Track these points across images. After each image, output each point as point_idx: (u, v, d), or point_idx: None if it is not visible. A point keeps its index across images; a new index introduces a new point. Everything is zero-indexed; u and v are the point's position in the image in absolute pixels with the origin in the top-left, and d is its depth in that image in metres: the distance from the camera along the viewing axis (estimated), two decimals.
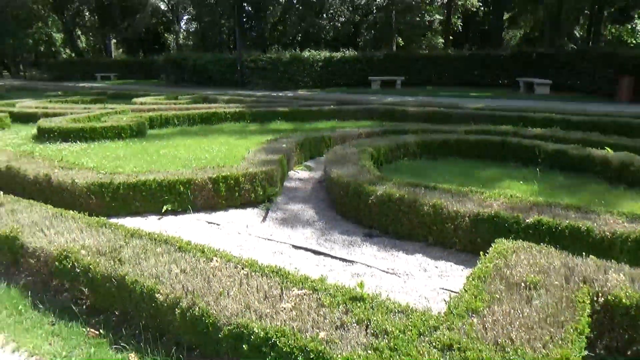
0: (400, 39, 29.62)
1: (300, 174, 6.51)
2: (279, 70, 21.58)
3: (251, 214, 4.90)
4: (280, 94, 18.90)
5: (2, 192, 4.34)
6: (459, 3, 28.35)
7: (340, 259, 3.82)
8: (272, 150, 6.17)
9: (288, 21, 27.87)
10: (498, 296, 2.30)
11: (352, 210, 4.63)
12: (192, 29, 39.24)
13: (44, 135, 8.76)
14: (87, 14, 39.99)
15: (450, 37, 28.80)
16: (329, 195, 5.29)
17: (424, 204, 3.97)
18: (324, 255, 3.90)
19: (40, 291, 3.11)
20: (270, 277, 2.59)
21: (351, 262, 3.76)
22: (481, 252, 2.87)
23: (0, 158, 5.70)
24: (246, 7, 30.51)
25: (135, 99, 14.33)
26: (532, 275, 2.47)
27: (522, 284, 2.41)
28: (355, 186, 4.44)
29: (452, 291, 3.19)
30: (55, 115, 10.97)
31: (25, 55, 39.20)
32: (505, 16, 29.74)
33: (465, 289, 2.38)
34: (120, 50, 46.86)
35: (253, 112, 11.59)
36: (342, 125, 10.81)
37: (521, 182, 5.66)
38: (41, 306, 2.90)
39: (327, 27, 24.55)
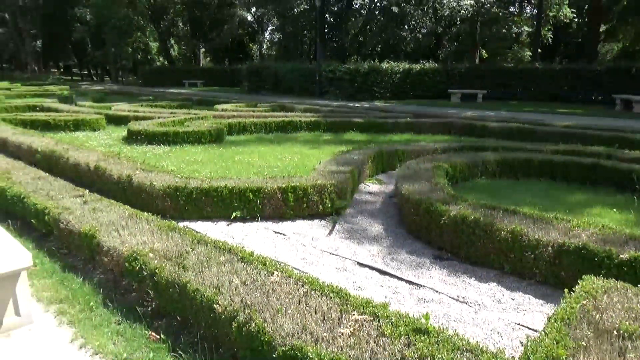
0: (483, 51, 28.56)
1: (371, 188, 6.37)
2: (356, 80, 21.58)
3: (318, 226, 4.84)
4: (357, 105, 18.85)
5: (87, 191, 4.61)
6: (550, 14, 26.81)
7: (407, 281, 3.63)
8: (343, 162, 6.09)
9: (369, 32, 27.89)
10: (585, 344, 2.02)
11: (422, 230, 4.41)
12: (275, 40, 40.48)
13: (132, 137, 9.35)
14: (180, 24, 42.65)
15: (539, 50, 27.28)
16: (399, 211, 5.10)
17: (502, 229, 3.68)
18: (390, 275, 3.72)
19: (110, 289, 3.23)
20: (330, 297, 2.48)
21: (418, 285, 3.56)
22: (565, 290, 2.57)
23: (91, 158, 6.11)
24: (328, 18, 30.99)
25: (217, 106, 14.95)
26: (627, 323, 2.16)
27: (614, 332, 2.11)
28: (427, 204, 4.23)
29: (529, 328, 2.90)
30: (144, 118, 11.72)
31: (124, 62, 42.48)
32: (602, 28, 27.67)
33: (546, 332, 2.12)
34: (208, 58, 49.51)
35: (328, 122, 11.62)
36: (418, 138, 10.54)
37: (615, 210, 5.12)
38: (110, 304, 3.01)
39: (408, 39, 24.23)
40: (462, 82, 22.22)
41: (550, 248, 3.44)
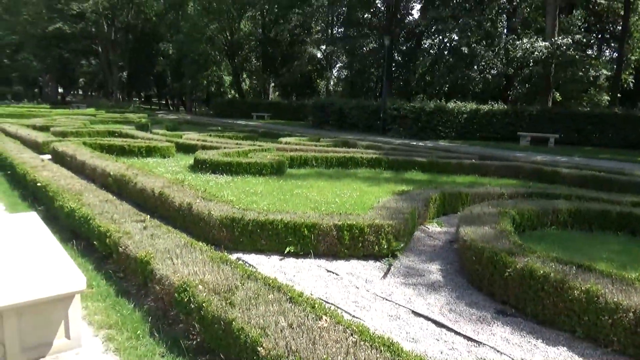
0: (557, 94, 27.42)
1: (431, 230, 6.10)
2: (421, 119, 21.35)
3: (372, 268, 4.66)
4: (420, 144, 18.60)
5: (148, 216, 4.75)
6: (632, 58, 25.41)
7: (465, 336, 3.35)
8: (403, 201, 5.91)
9: (436, 72, 27.73)
10: None
11: (484, 280, 4.11)
12: (342, 76, 41.27)
13: (198, 166, 9.68)
14: (253, 60, 44.69)
15: (618, 95, 25.79)
16: (460, 259, 4.81)
17: (575, 288, 3.34)
18: (447, 329, 3.46)
19: (159, 318, 3.24)
20: (381, 351, 2.31)
21: (478, 342, 3.27)
22: None
23: (157, 184, 6.34)
24: (396, 57, 31.24)
25: (281, 139, 15.27)
26: None
27: None
28: (490, 254, 3.95)
29: None
30: (211, 148, 12.17)
31: (199, 93, 44.99)
32: None
33: None
34: (277, 93, 51.31)
35: (389, 159, 11.47)
36: (482, 181, 10.13)
37: None
38: (157, 334, 3.00)
39: (477, 79, 23.79)
40: (533, 125, 21.35)
41: (631, 314, 3.07)
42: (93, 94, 65.41)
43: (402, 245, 4.93)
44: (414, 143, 18.71)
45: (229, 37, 39.33)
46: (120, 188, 7.15)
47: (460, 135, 21.54)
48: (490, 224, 4.95)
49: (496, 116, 21.51)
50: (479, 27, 23.19)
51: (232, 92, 51.33)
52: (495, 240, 4.33)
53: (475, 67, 24.11)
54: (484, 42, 24.17)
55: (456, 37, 24.21)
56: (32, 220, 3.86)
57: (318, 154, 11.38)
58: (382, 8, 32.66)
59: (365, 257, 4.84)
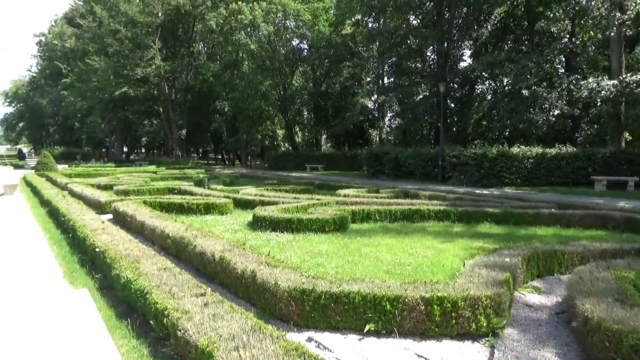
0: (627, 134, 25.60)
1: (529, 298, 5.21)
2: (483, 166, 20.29)
3: (471, 350, 3.86)
4: (485, 192, 17.52)
5: (209, 289, 4.24)
6: None
7: None
8: (493, 265, 5.10)
9: (495, 116, 26.76)
10: None
11: None
12: (395, 125, 40.94)
13: (257, 223, 9.27)
14: (305, 113, 45.47)
15: None
16: (582, 342, 3.92)
17: None
18: None
19: None
20: None
21: None
22: None
23: (217, 247, 5.90)
24: (449, 104, 30.60)
25: (339, 191, 14.77)
26: None
27: None
28: (635, 341, 3.09)
29: None
30: (269, 203, 11.82)
31: (253, 147, 45.95)
32: None
33: None
34: (329, 143, 51.61)
35: (459, 211, 10.61)
36: (567, 233, 9.10)
37: None
38: None
39: (540, 122, 22.58)
40: (607, 168, 19.78)
41: None
42: (154, 151, 68.71)
43: (504, 321, 4.11)
44: (479, 191, 17.66)
45: (282, 93, 40.36)
46: (179, 251, 6.79)
47: (527, 182, 20.24)
48: (612, 293, 4.06)
49: (565, 160, 20.11)
50: (539, 69, 22.26)
51: (285, 144, 52.19)
52: (628, 319, 3.46)
53: (537, 109, 22.96)
54: (544, 83, 23.12)
55: (513, 81, 23.33)
56: (82, 300, 3.45)
57: (380, 207, 10.72)
58: (433, 56, 32.49)
59: (460, 336, 4.06)
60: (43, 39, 64.79)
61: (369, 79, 39.19)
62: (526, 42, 25.41)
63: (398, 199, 13.49)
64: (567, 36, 19.09)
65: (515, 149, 20.33)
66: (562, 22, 18.53)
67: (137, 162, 44.83)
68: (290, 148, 45.97)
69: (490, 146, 21.75)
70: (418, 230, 9.33)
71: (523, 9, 26.05)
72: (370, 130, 45.31)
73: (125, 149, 61.37)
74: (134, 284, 4.37)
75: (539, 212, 10.44)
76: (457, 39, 29.13)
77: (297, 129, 48.52)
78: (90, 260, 6.50)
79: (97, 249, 6.02)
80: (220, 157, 61.21)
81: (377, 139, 42.63)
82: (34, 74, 73.92)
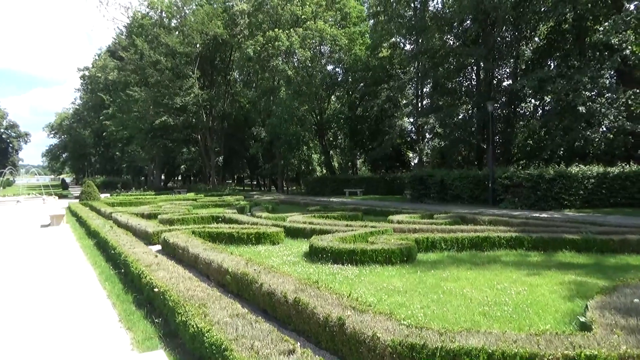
0: None
1: None
2: (539, 188, 19.08)
3: None
4: (544, 215, 16.35)
5: (299, 344, 3.55)
6: None
7: None
8: (626, 308, 4.23)
9: (545, 135, 25.50)
10: None
11: None
12: (435, 146, 39.88)
13: (316, 255, 8.59)
14: (341, 138, 45.06)
15: None
16: None
17: None
18: None
19: None
20: None
21: None
22: None
23: (287, 286, 5.24)
24: (496, 124, 29.49)
25: (390, 217, 13.97)
26: None
27: None
28: None
29: None
30: (322, 232, 11.14)
31: (289, 173, 45.70)
32: None
33: None
34: (363, 168, 50.87)
35: (533, 238, 9.64)
36: None
37: None
38: None
39: (597, 139, 21.22)
40: None
41: None
42: (191, 178, 69.58)
43: None
44: (536, 214, 16.50)
45: (318, 117, 40.13)
46: (240, 288, 6.15)
47: (587, 203, 18.88)
48: None
49: (630, 179, 18.67)
50: (593, 84, 21.06)
51: (320, 169, 51.75)
52: None
53: (595, 126, 21.64)
54: (599, 99, 21.84)
55: (570, 97, 22.15)
56: None
57: (445, 234, 9.87)
58: (473, 75, 31.63)
59: None
60: (87, 72, 67.35)
61: (404, 101, 38.49)
62: (577, 56, 24.22)
63: (456, 224, 12.59)
64: (630, 47, 17.91)
65: (574, 169, 19.08)
66: (624, 33, 17.41)
67: (175, 190, 45.21)
68: (326, 172, 45.45)
69: (544, 166, 20.54)
70: (492, 261, 8.43)
71: (572, 23, 24.97)
72: (408, 153, 44.37)
73: (163, 177, 62.29)
74: (207, 336, 3.73)
75: (626, 239, 9.37)
76: (503, 56, 28.23)
77: (333, 154, 48.07)
78: (147, 300, 5.94)
79: (155, 289, 5.45)
80: (255, 182, 61.34)
81: (416, 161, 41.60)
82: (77, 107, 76.86)
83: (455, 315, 5.06)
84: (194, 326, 4.03)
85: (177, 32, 41.92)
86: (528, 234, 9.81)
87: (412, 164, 44.06)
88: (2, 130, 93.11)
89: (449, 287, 6.31)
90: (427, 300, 5.69)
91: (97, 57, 66.43)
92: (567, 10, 22.72)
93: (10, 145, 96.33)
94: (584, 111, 20.60)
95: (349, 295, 4.89)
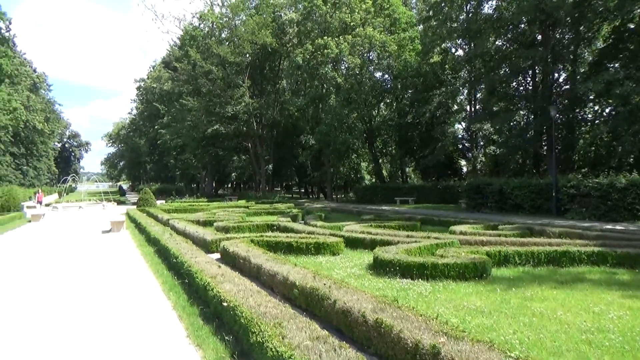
0: None
1: None
2: (610, 197, 17.79)
3: None
4: (618, 227, 15.15)
5: None
6: None
7: None
8: None
9: (613, 140, 23.89)
10: None
11: None
12: (489, 154, 38.41)
13: (381, 268, 8.18)
14: (390, 144, 44.33)
15: None
16: None
17: None
18: None
19: None
20: None
21: None
22: None
23: (364, 305, 4.86)
24: (558, 130, 27.97)
25: (452, 227, 13.32)
26: None
27: None
28: None
29: None
30: (382, 242, 10.72)
31: (338, 180, 45.40)
32: None
33: None
34: (413, 175, 49.80)
35: (618, 254, 8.80)
36: None
37: None
38: None
39: None
40: None
41: None
42: (241, 186, 70.64)
43: None
44: (610, 226, 15.31)
45: (367, 125, 39.65)
46: (309, 304, 5.83)
47: None
48: None
49: None
50: None
51: (369, 177, 51.04)
52: None
53: None
54: None
55: (632, 100, 20.65)
56: None
57: (519, 248, 9.18)
58: (528, 79, 30.21)
59: None
60: (142, 83, 70.03)
61: (456, 107, 37.30)
62: None
63: (525, 236, 11.79)
64: None
65: None
66: None
67: (227, 197, 45.92)
68: (375, 180, 44.78)
69: (614, 174, 19.17)
70: (577, 279, 7.70)
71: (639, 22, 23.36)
72: (459, 160, 43.03)
73: (214, 184, 63.55)
74: None
75: None
76: (563, 59, 26.78)
77: (382, 161, 47.38)
78: (214, 314, 5.72)
79: (224, 303, 5.22)
80: (303, 190, 61.39)
81: (469, 168, 40.22)
82: (134, 116, 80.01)
83: (555, 344, 4.52)
84: (273, 349, 3.73)
85: (227, 43, 42.71)
86: (612, 249, 8.97)
87: (464, 171, 42.64)
88: (65, 139, 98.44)
89: (538, 309, 5.73)
90: (517, 324, 5.15)
91: (151, 69, 69.02)
92: (637, 7, 21.28)
93: (73, 154, 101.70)
94: None
95: (437, 317, 4.44)
